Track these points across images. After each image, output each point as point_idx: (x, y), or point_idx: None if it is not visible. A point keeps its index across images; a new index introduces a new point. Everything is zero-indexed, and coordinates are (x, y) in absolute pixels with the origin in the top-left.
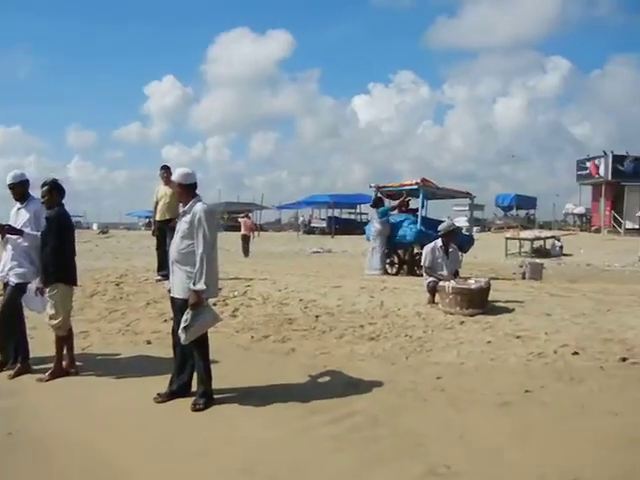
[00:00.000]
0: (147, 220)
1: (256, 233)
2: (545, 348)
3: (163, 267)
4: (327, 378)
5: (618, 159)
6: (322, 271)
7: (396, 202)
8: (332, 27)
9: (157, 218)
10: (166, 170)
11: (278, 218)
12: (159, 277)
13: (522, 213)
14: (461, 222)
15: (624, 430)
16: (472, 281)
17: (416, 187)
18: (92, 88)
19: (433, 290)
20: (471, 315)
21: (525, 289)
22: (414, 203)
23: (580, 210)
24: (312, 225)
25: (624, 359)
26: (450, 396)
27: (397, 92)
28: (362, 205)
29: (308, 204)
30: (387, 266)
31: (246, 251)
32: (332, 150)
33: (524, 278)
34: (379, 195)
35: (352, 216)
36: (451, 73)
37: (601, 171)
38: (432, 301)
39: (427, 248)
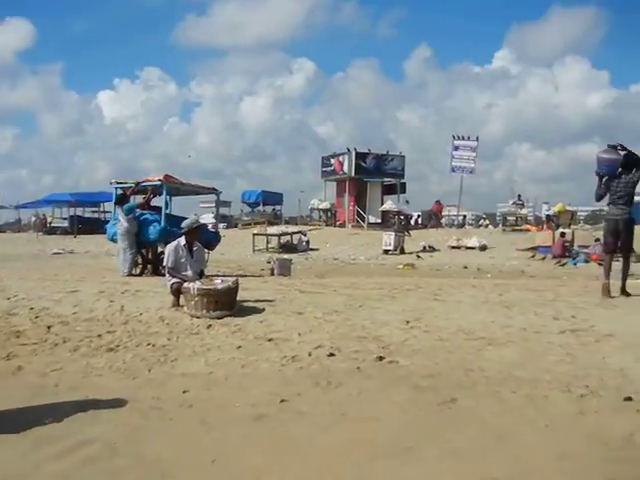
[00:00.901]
0: None
1: None
2: (299, 350)
3: None
4: (57, 400)
5: (361, 156)
6: (61, 274)
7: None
8: (77, 19)
9: None
10: None
11: (18, 218)
12: None
13: (269, 209)
14: (208, 219)
15: (387, 437)
16: (219, 281)
17: (159, 183)
18: None
19: (177, 292)
20: (219, 318)
21: (274, 286)
22: (157, 200)
23: (325, 205)
24: (53, 225)
25: (381, 358)
26: (199, 412)
27: (144, 88)
28: (106, 203)
29: (48, 203)
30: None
31: None
32: (76, 147)
33: (273, 274)
34: (122, 192)
35: (96, 215)
36: (199, 71)
37: (345, 167)
38: (177, 304)
39: (170, 247)
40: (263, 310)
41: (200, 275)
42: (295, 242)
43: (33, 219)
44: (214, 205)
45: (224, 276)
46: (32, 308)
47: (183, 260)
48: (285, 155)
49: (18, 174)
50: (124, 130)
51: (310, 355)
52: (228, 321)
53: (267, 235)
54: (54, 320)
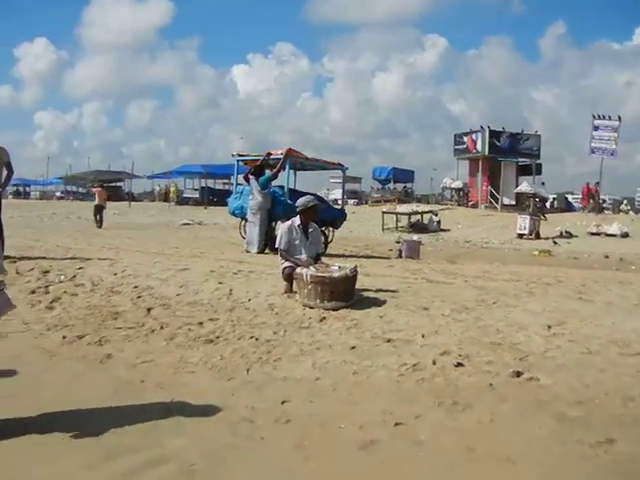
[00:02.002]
0: (14, 188)
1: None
2: (422, 357)
3: None
4: (140, 400)
5: (494, 134)
6: (182, 247)
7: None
8: None
9: None
10: None
11: (153, 188)
12: None
13: (400, 186)
14: (338, 194)
15: None
16: (336, 267)
17: (282, 157)
18: None
19: (289, 277)
20: (334, 309)
21: (400, 273)
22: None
23: (457, 184)
24: (185, 196)
25: (518, 373)
26: (297, 431)
27: (277, 63)
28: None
29: (180, 174)
30: None
31: (99, 222)
32: (212, 120)
33: (401, 256)
34: (258, 163)
35: (227, 187)
36: (331, 46)
37: (478, 146)
38: (289, 290)
39: (283, 227)
40: (384, 303)
41: (316, 259)
42: (426, 222)
43: (157, 189)
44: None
45: (350, 256)
46: (136, 287)
47: (297, 242)
48: (417, 132)
49: (157, 144)
50: (258, 104)
51: (434, 364)
52: (344, 314)
53: (397, 214)
54: (156, 302)
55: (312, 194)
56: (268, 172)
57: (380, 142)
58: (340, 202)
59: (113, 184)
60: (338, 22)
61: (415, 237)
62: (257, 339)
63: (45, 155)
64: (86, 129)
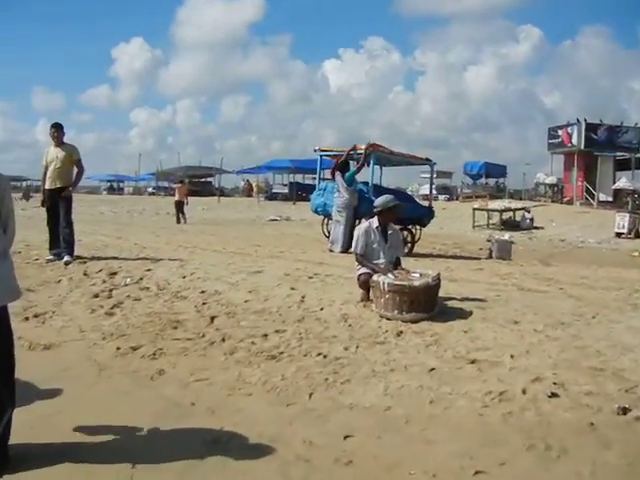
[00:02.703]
0: (108, 184)
1: (188, 199)
2: (510, 383)
3: (55, 245)
4: (186, 425)
5: (591, 127)
6: (264, 245)
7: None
8: None
9: (46, 186)
10: (57, 129)
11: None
12: (50, 257)
13: (491, 182)
14: (428, 189)
15: None
16: (417, 274)
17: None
18: (58, 51)
19: (366, 285)
20: (413, 321)
21: (489, 278)
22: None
23: (552, 180)
24: (273, 191)
25: (624, 410)
26: (359, 476)
27: (368, 58)
28: (326, 170)
29: (269, 169)
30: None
31: (179, 218)
32: (303, 115)
33: (491, 256)
34: (344, 158)
35: (315, 182)
36: (423, 40)
37: (574, 139)
38: (366, 299)
39: (359, 229)
40: (470, 314)
41: (395, 264)
42: (518, 219)
43: (242, 184)
44: (435, 176)
45: (437, 256)
46: (203, 291)
47: (375, 245)
48: (510, 125)
49: (249, 140)
50: (349, 98)
51: (524, 393)
52: (424, 327)
53: (488, 210)
54: (221, 309)
55: (397, 190)
56: (353, 168)
57: (472, 136)
58: (440, 205)
59: (203, 179)
60: (429, 15)
61: (507, 235)
62: (325, 356)
63: (140, 151)
64: (180, 125)
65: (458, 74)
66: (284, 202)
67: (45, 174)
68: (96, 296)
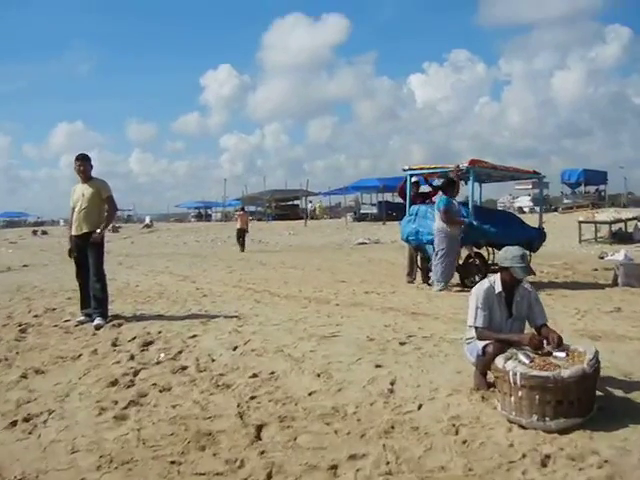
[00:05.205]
0: (197, 211)
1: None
2: None
3: (86, 303)
4: None
5: None
6: (349, 280)
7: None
8: (386, 7)
9: (72, 232)
10: (82, 161)
11: (338, 202)
12: (81, 317)
13: (591, 189)
14: (523, 202)
15: None
16: (561, 354)
17: (464, 170)
18: (149, 82)
19: (486, 367)
20: (562, 432)
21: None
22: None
23: None
24: (362, 212)
25: None
26: None
27: (452, 70)
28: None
29: (356, 189)
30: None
31: (242, 245)
32: (390, 131)
33: (616, 283)
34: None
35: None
36: (506, 49)
37: None
38: (484, 385)
39: (478, 291)
40: None
41: (536, 344)
42: (630, 230)
43: (310, 207)
44: (531, 187)
45: (548, 285)
46: (255, 375)
47: (497, 316)
48: (602, 130)
49: (338, 159)
50: (436, 112)
51: None
52: (583, 447)
53: (596, 222)
54: (273, 410)
55: (502, 211)
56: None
57: (562, 143)
58: (537, 218)
59: (290, 202)
60: (512, 23)
61: (622, 252)
62: None
63: (230, 176)
64: (268, 148)
65: (544, 81)
66: (373, 223)
67: (72, 217)
68: (114, 383)
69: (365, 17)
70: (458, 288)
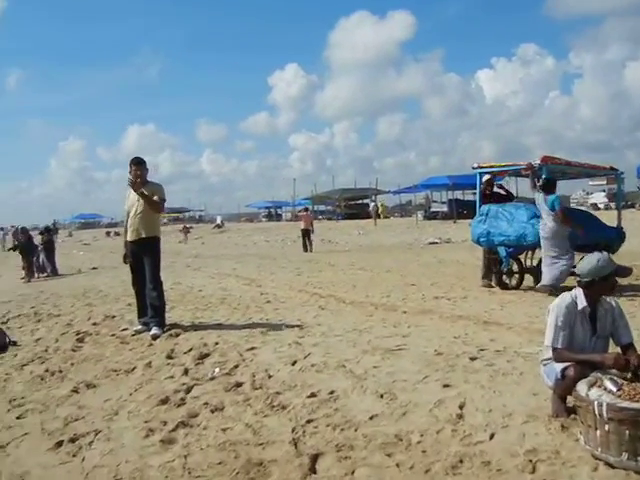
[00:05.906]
0: (267, 211)
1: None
2: None
3: (144, 312)
4: None
5: None
6: (419, 284)
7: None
8: (451, 2)
9: (128, 238)
10: (138, 166)
11: (409, 200)
12: (139, 326)
13: None
14: (598, 198)
15: None
16: None
17: (537, 167)
18: (218, 83)
19: (566, 392)
20: None
21: None
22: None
23: None
24: (432, 210)
25: None
26: None
27: (521, 65)
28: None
29: (426, 187)
30: (504, 276)
31: (306, 247)
32: (459, 128)
33: None
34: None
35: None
36: (576, 41)
37: None
38: (563, 413)
39: (558, 307)
40: None
41: (622, 362)
42: None
43: (372, 206)
44: (606, 182)
45: (629, 293)
46: (313, 394)
47: (580, 334)
48: None
49: (407, 157)
50: (505, 108)
51: None
52: None
53: None
54: (331, 437)
55: (580, 211)
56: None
57: (636, 136)
58: (613, 215)
59: (360, 201)
60: (581, 15)
61: None
62: None
63: (300, 175)
64: (338, 147)
65: (617, 72)
66: (444, 221)
67: (127, 222)
68: (165, 401)
69: (431, 13)
70: (495, 289)
